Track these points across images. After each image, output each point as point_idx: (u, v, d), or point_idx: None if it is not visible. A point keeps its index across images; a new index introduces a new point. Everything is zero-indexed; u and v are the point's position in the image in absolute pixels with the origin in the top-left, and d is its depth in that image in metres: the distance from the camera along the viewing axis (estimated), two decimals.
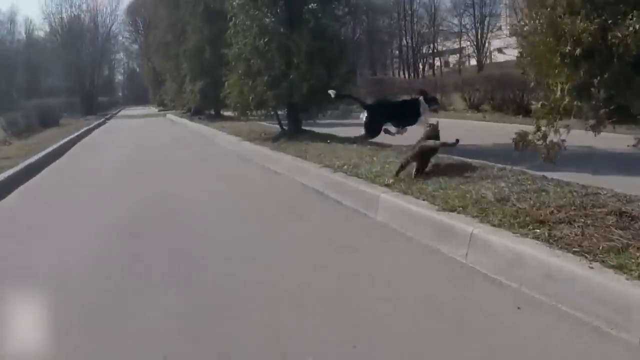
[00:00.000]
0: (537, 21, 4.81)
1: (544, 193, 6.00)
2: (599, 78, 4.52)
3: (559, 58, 4.61)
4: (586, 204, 5.43)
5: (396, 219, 6.43)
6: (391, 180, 7.36)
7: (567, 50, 4.46)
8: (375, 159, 9.25)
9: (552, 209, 5.33)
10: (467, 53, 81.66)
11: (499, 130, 14.79)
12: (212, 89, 24.81)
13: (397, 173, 7.65)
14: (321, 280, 4.92)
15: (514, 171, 7.53)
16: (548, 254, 4.36)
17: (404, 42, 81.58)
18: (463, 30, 77.67)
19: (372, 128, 11.56)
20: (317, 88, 13.66)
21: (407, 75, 75.93)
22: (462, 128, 16.44)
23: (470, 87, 26.75)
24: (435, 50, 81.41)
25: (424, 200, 6.32)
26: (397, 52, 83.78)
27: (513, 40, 75.39)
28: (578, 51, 4.45)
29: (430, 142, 7.89)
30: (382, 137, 11.60)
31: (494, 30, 79.15)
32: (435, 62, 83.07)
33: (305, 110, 15.06)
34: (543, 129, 4.99)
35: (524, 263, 4.49)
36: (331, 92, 11.95)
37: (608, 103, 4.87)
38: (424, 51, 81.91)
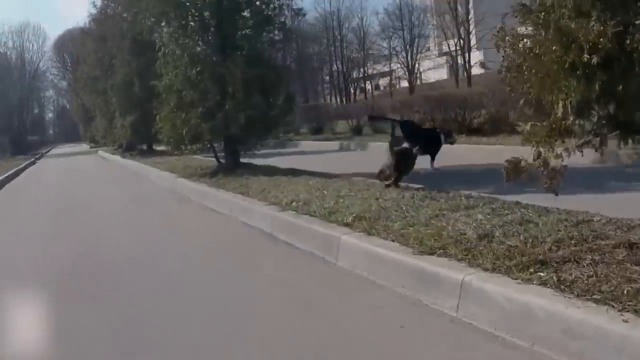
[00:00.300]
0: (538, 27, 3.99)
1: (531, 225, 5.24)
2: (612, 90, 3.75)
3: (568, 69, 3.80)
4: (586, 236, 4.69)
5: (362, 264, 5.54)
6: (350, 219, 6.45)
7: (584, 59, 3.65)
8: (325, 192, 8.40)
9: (549, 244, 4.56)
10: (397, 75, 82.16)
11: (445, 151, 14.12)
12: (143, 123, 24.13)
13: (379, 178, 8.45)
14: (287, 351, 4.02)
15: (483, 198, 6.83)
16: (565, 305, 3.56)
17: (335, 67, 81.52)
18: (393, 53, 77.97)
19: (412, 138, 11.41)
20: (255, 118, 12.92)
21: (338, 101, 75.74)
22: None
23: (409, 109, 26.14)
24: (365, 74, 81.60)
25: (393, 241, 5.45)
26: (328, 77, 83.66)
27: (442, 59, 76.70)
28: (595, 60, 3.64)
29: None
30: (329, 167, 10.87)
31: (424, 51, 79.85)
32: (367, 85, 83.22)
33: (243, 142, 14.21)
34: (543, 154, 4.16)
35: (534, 317, 3.68)
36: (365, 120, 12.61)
37: (609, 119, 4.12)
38: (355, 75, 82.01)
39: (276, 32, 14.35)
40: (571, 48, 3.74)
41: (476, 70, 68.53)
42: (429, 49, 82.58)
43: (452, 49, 70.76)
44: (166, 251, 7.67)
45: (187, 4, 13.88)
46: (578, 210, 5.71)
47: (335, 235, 6.12)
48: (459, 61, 70.93)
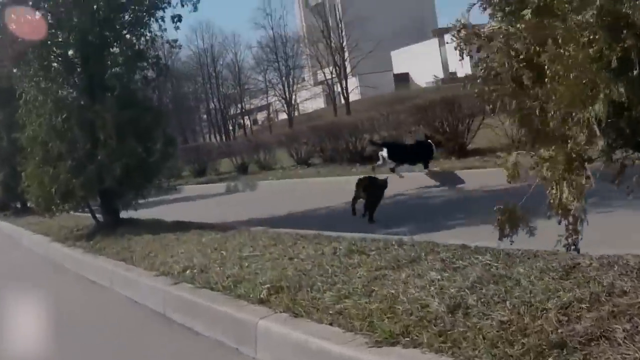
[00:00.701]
0: (565, 7, 2.64)
1: (508, 282, 3.96)
2: None
3: (617, 69, 2.50)
4: (597, 293, 3.46)
5: (289, 357, 4.14)
6: (264, 292, 4.95)
7: None
8: (224, 253, 6.91)
9: (554, 313, 3.31)
10: (275, 108, 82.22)
11: (343, 185, 12.98)
12: (14, 179, 22.15)
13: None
14: None
15: (421, 244, 5.53)
16: None
17: (212, 105, 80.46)
18: (269, 86, 77.69)
19: (395, 160, 13.70)
20: (132, 166, 11.31)
21: (218, 139, 74.60)
22: (296, 190, 15.20)
23: (296, 142, 24.90)
24: (243, 110, 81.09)
25: (331, 324, 4.03)
26: (206, 116, 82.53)
27: (318, 89, 77.02)
28: None
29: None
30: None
31: (300, 81, 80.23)
32: (245, 121, 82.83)
33: (121, 196, 12.53)
34: (565, 195, 2.84)
35: None
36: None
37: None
38: (233, 112, 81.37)
39: (150, 69, 12.86)
40: (620, 38, 2.45)
41: (353, 97, 68.85)
42: (304, 79, 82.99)
43: (328, 77, 71.10)
44: (20, 344, 5.95)
45: (48, 42, 12.21)
46: (544, 250, 4.48)
47: (249, 319, 4.64)
48: (336, 89, 71.31)
